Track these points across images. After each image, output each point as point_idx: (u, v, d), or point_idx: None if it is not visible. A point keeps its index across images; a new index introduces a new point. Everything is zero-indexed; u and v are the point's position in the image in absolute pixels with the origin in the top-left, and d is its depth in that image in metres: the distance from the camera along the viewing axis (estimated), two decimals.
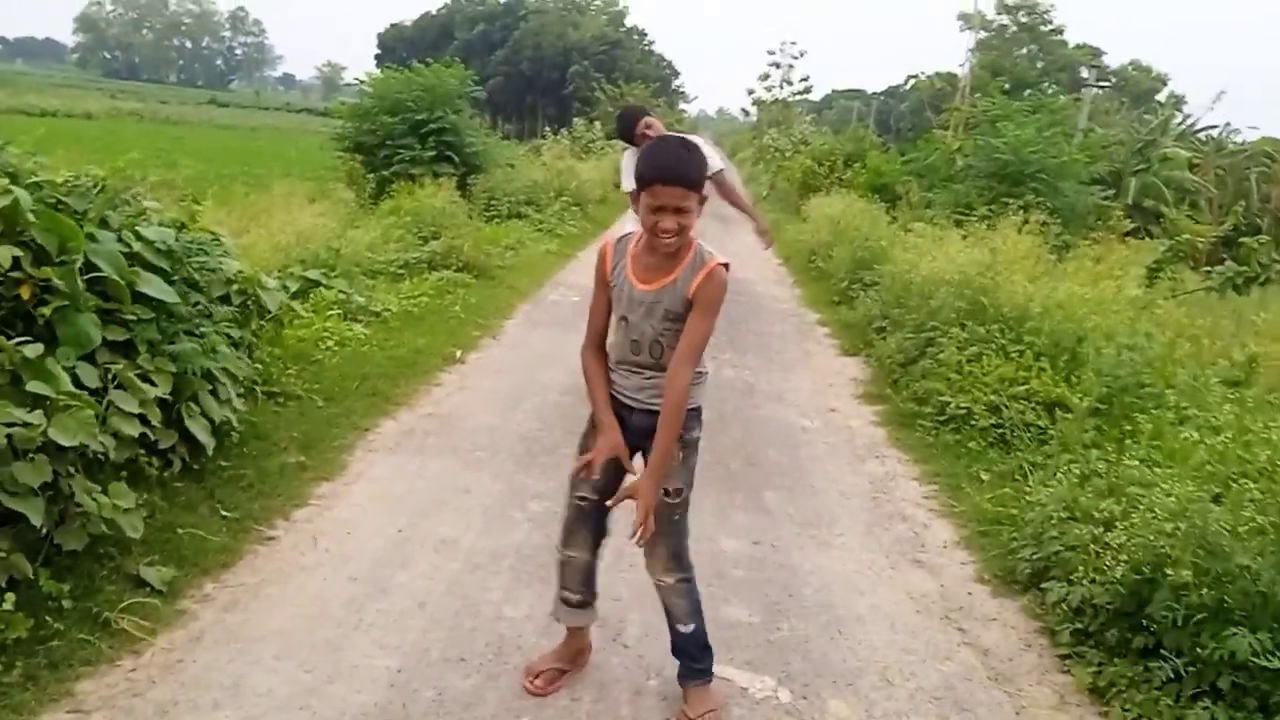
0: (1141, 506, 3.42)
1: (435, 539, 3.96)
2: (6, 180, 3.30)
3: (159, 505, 3.67)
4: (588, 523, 2.89)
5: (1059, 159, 12.34)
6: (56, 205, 3.60)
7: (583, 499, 2.86)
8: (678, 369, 2.59)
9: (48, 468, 2.92)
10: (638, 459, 2.77)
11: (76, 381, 3.19)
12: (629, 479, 2.74)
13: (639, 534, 2.61)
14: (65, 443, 2.93)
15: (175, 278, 4.04)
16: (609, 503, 2.76)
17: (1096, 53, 51.23)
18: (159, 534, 3.51)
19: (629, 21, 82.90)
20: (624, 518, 2.74)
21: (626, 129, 5.89)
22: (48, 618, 2.89)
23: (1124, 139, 19.45)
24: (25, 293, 3.26)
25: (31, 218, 3.28)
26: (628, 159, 5.84)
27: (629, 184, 5.28)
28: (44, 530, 2.98)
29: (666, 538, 2.78)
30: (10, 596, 2.76)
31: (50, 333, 3.28)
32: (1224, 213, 15.27)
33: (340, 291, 7.09)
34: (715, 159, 5.07)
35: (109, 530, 3.17)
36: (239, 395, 4.35)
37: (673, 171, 2.51)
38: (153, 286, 3.74)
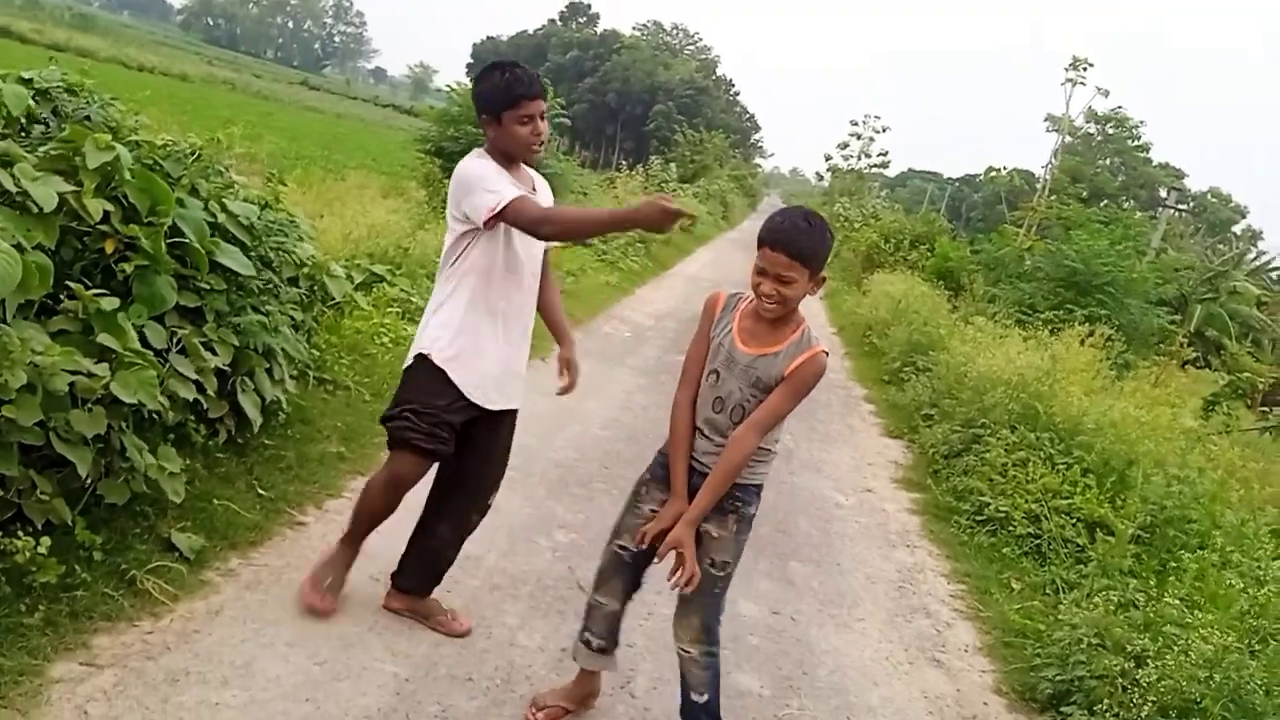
0: (1177, 648, 3.34)
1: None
2: (109, 136, 3.37)
3: (199, 473, 3.70)
4: (623, 573, 2.85)
5: (1128, 274, 12.24)
6: (152, 166, 3.67)
7: (622, 548, 2.82)
8: (745, 433, 2.56)
9: (103, 419, 2.95)
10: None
11: (144, 340, 3.24)
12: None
13: (680, 578, 2.57)
14: (125, 398, 2.96)
15: (252, 254, 4.10)
16: (657, 557, 2.70)
17: (1179, 174, 50.81)
18: (195, 501, 3.53)
19: (719, 71, 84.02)
20: (659, 573, 2.72)
21: (493, 102, 3.02)
22: (76, 566, 2.91)
23: (1195, 265, 19.29)
24: (109, 247, 3.32)
25: (128, 175, 3.34)
26: (477, 165, 3.09)
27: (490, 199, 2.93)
28: (88, 480, 3.01)
29: (701, 609, 2.73)
30: (45, 540, 2.78)
31: (126, 289, 3.33)
32: None
33: (402, 290, 7.16)
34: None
35: (149, 490, 3.21)
36: (292, 377, 4.39)
37: (781, 237, 2.45)
38: (231, 258, 3.79)
